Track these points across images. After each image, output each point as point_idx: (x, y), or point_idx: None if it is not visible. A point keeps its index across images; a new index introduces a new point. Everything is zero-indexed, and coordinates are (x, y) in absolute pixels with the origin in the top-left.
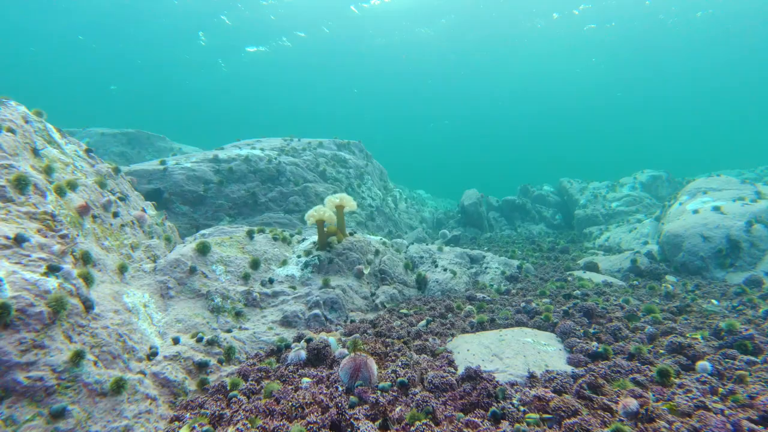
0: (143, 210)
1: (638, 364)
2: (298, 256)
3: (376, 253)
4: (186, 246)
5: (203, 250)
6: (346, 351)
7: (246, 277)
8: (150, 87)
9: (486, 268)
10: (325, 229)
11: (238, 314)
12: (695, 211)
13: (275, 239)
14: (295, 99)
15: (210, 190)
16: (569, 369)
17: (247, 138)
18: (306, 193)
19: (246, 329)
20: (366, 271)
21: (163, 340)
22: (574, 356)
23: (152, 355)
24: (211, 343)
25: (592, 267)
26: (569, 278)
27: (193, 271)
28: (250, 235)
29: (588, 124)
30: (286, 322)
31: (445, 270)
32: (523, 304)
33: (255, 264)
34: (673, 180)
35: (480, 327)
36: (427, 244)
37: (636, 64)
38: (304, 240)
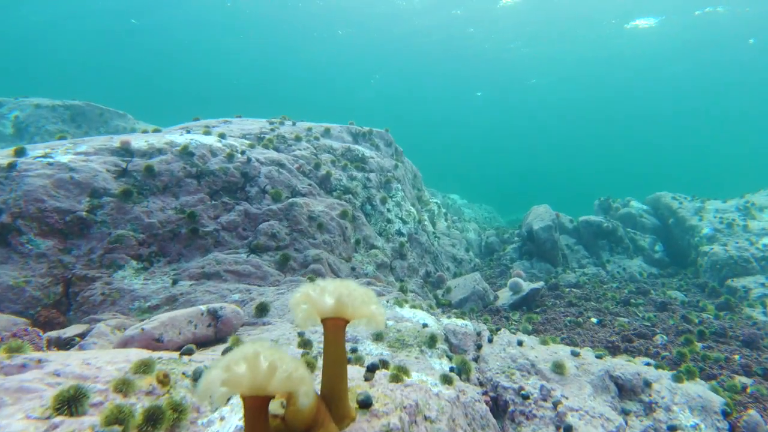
0: None
1: None
2: None
3: None
4: None
5: None
6: None
7: None
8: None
9: (668, 426)
10: (280, 414)
11: None
12: None
13: None
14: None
15: (102, 209)
16: None
17: (216, 117)
18: (292, 215)
19: None
20: None
21: None
22: None
23: None
24: None
25: None
26: None
27: None
28: None
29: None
30: None
31: None
32: None
33: None
34: None
35: None
36: (512, 334)
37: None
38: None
